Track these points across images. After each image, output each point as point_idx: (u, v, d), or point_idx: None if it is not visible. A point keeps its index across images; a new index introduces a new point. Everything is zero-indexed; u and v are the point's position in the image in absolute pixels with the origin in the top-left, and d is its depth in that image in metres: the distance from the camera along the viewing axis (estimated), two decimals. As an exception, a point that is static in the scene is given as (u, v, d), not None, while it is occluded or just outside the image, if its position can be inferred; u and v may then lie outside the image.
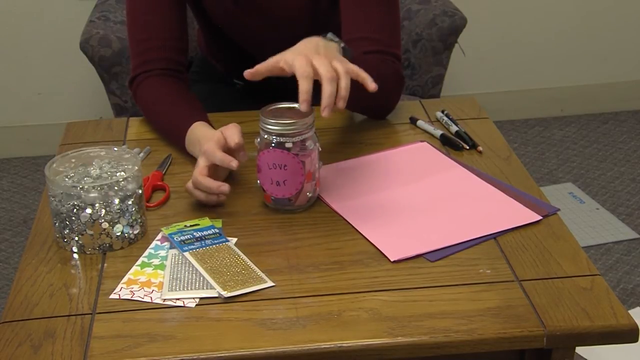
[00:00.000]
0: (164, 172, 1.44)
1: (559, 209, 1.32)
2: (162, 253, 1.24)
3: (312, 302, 1.13)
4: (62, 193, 1.22)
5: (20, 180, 2.98)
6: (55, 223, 1.25)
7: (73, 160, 1.30)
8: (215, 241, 1.24)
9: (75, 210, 1.22)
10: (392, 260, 1.20)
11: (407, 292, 1.14)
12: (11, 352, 1.06)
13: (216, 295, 1.14)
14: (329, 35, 1.38)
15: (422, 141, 1.53)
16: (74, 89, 3.05)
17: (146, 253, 1.24)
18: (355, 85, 1.27)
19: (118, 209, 1.23)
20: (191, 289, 1.16)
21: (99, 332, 1.09)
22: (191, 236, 1.25)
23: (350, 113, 1.60)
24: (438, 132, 1.54)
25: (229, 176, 1.40)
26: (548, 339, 1.07)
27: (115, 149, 1.32)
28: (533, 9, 3.14)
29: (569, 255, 1.21)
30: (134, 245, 1.26)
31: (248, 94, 1.84)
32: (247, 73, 1.30)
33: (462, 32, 2.28)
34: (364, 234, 1.26)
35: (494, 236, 1.26)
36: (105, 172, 1.27)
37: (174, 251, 1.23)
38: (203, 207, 1.34)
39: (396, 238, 1.25)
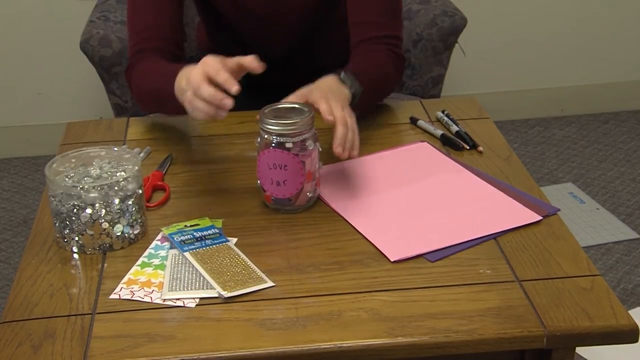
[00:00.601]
0: (164, 172, 1.44)
1: (559, 209, 1.32)
2: (162, 253, 1.24)
3: (312, 302, 1.13)
4: (62, 193, 1.22)
5: (20, 180, 2.98)
6: (56, 223, 1.25)
7: (73, 160, 1.30)
8: (216, 241, 1.24)
9: (75, 210, 1.22)
10: (392, 260, 1.20)
11: (407, 292, 1.14)
12: (11, 352, 1.06)
13: (216, 295, 1.14)
14: (343, 75, 1.45)
15: (422, 141, 1.53)
16: (74, 89, 3.05)
17: (146, 253, 1.24)
18: (367, 101, 1.48)
19: (118, 209, 1.23)
20: (191, 289, 1.16)
21: (99, 332, 1.09)
22: (191, 236, 1.25)
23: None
24: (438, 132, 1.54)
25: (228, 177, 1.40)
26: (548, 339, 1.07)
27: (116, 149, 1.32)
28: (533, 9, 3.14)
29: (569, 256, 1.21)
30: (134, 245, 1.26)
31: (248, 93, 1.84)
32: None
33: (462, 32, 2.28)
34: (364, 234, 1.26)
35: (494, 236, 1.26)
36: (105, 172, 1.27)
37: (174, 251, 1.23)
38: (203, 207, 1.34)
39: (396, 238, 1.25)
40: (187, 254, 1.21)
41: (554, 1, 3.13)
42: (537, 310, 1.10)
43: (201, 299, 1.14)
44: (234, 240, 1.26)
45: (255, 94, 1.73)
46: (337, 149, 1.28)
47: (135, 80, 1.60)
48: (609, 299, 1.12)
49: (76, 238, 1.24)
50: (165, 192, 1.38)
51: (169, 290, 1.15)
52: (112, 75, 2.13)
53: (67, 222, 1.23)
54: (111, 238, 1.24)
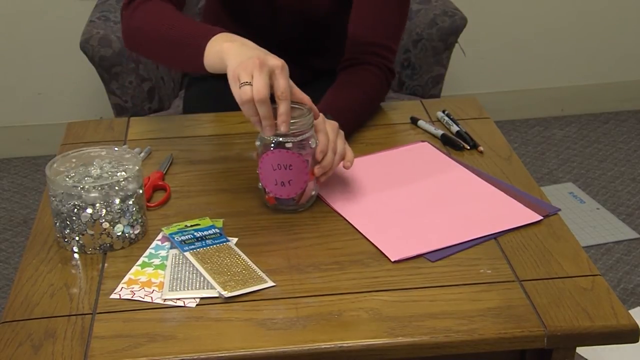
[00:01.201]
0: (164, 172, 1.44)
1: (559, 209, 1.32)
2: (163, 253, 1.24)
3: (313, 302, 1.13)
4: (62, 193, 1.22)
5: (21, 180, 2.98)
6: (56, 223, 1.25)
7: (74, 160, 1.30)
8: (216, 241, 1.24)
9: (75, 210, 1.22)
10: (392, 260, 1.20)
11: (408, 292, 1.14)
12: (11, 352, 1.06)
13: (217, 295, 1.14)
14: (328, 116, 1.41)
15: (422, 141, 1.53)
16: (74, 89, 3.05)
17: (147, 253, 1.24)
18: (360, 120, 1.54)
19: (119, 209, 1.23)
20: (192, 289, 1.16)
21: (99, 332, 1.09)
22: (192, 236, 1.25)
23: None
24: (439, 132, 1.54)
25: (229, 177, 1.40)
26: (549, 339, 1.07)
27: (116, 148, 1.32)
28: (533, 9, 3.14)
29: (570, 256, 1.21)
30: (135, 245, 1.26)
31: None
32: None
33: (462, 32, 2.28)
34: (364, 234, 1.26)
35: (495, 236, 1.26)
36: (105, 172, 1.27)
37: (175, 251, 1.23)
38: (204, 207, 1.34)
39: (397, 238, 1.25)
40: (187, 254, 1.21)
41: (554, 1, 3.13)
42: (537, 310, 1.10)
43: (201, 298, 1.14)
44: (235, 240, 1.26)
45: None
46: (317, 171, 1.30)
47: (142, 16, 1.46)
48: (609, 299, 1.12)
49: (77, 238, 1.24)
50: (166, 192, 1.38)
51: (169, 290, 1.15)
52: (112, 75, 2.13)
53: (68, 222, 1.23)
54: (112, 238, 1.24)
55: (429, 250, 1.22)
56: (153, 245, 1.26)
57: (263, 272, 1.18)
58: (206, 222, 1.29)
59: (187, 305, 1.13)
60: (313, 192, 1.32)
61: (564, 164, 2.97)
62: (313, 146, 1.29)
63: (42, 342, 1.07)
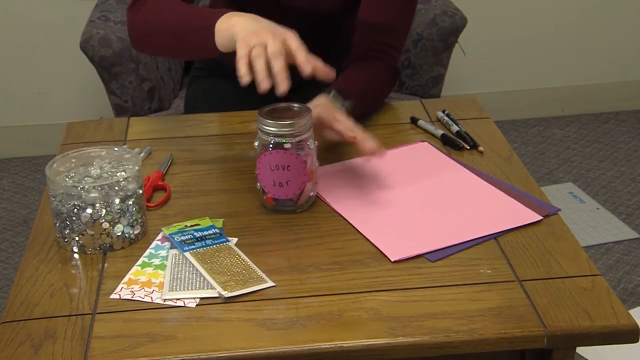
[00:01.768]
0: (164, 172, 1.44)
1: (559, 209, 1.32)
2: (163, 253, 1.24)
3: (313, 302, 1.13)
4: (62, 193, 1.22)
5: (21, 180, 2.98)
6: (56, 223, 1.25)
7: (73, 160, 1.30)
8: (216, 241, 1.24)
9: (75, 210, 1.22)
10: (392, 260, 1.20)
11: (408, 292, 1.14)
12: (11, 352, 1.06)
13: (217, 295, 1.14)
14: (333, 94, 1.47)
15: (422, 141, 1.53)
16: (74, 89, 3.05)
17: (147, 253, 1.24)
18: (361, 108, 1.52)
19: (118, 209, 1.23)
20: (192, 289, 1.16)
21: (99, 332, 1.09)
22: (192, 236, 1.25)
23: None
24: (439, 132, 1.54)
25: (229, 177, 1.40)
26: (549, 339, 1.07)
27: (116, 149, 1.32)
28: (533, 9, 3.14)
29: (570, 255, 1.21)
30: (135, 245, 1.26)
31: (251, 89, 1.84)
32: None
33: (462, 32, 2.28)
34: (364, 234, 1.26)
35: (495, 236, 1.26)
36: (105, 172, 1.27)
37: (175, 251, 1.23)
38: (204, 207, 1.34)
39: (396, 238, 1.25)
40: (187, 254, 1.21)
41: (554, 1, 3.13)
42: (537, 310, 1.10)
43: (201, 299, 1.14)
44: (235, 240, 1.26)
45: (256, 93, 1.73)
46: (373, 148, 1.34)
47: (147, 12, 1.47)
48: (609, 299, 1.12)
49: (76, 238, 1.24)
50: (166, 192, 1.38)
51: (169, 290, 1.15)
52: (112, 75, 2.13)
53: (68, 222, 1.23)
54: (111, 238, 1.24)
55: (429, 250, 1.22)
56: (153, 245, 1.26)
57: (263, 272, 1.18)
58: (206, 222, 1.29)
59: (187, 306, 1.13)
60: (311, 193, 1.32)
61: (564, 164, 2.97)
62: (311, 147, 1.29)
63: (42, 342, 1.07)
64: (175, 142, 1.56)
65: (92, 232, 1.23)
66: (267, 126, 1.27)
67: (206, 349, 1.05)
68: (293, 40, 1.25)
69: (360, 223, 1.29)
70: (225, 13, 1.34)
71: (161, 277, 1.18)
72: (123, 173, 1.27)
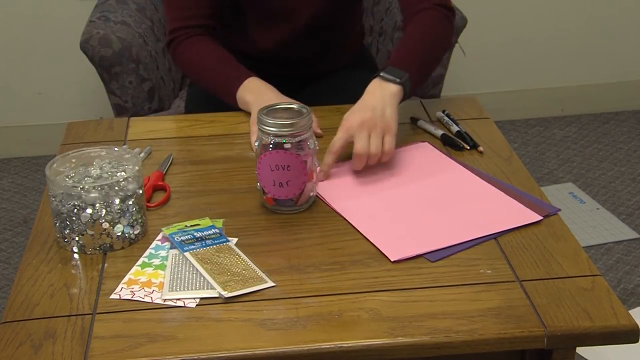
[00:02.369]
0: (164, 172, 1.44)
1: (559, 209, 1.32)
2: (163, 253, 1.24)
3: (313, 302, 1.13)
4: (62, 193, 1.22)
5: (21, 180, 2.98)
6: (56, 223, 1.25)
7: (73, 160, 1.30)
8: (216, 241, 1.24)
9: (75, 210, 1.22)
10: (392, 260, 1.20)
11: (408, 293, 1.14)
12: (12, 352, 1.06)
13: (217, 295, 1.14)
14: (385, 72, 1.47)
15: (423, 141, 1.53)
16: (74, 89, 3.05)
17: (147, 253, 1.24)
18: (429, 64, 1.56)
19: (118, 209, 1.23)
20: (192, 289, 1.16)
21: (99, 332, 1.09)
22: (192, 236, 1.25)
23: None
24: (439, 132, 1.54)
25: (229, 177, 1.40)
26: (549, 340, 1.07)
27: (116, 149, 1.32)
28: (533, 9, 3.13)
29: (570, 256, 1.21)
30: (135, 245, 1.26)
31: None
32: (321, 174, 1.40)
33: (462, 32, 2.28)
34: (364, 234, 1.26)
35: (495, 236, 1.26)
36: (105, 172, 1.27)
37: (175, 251, 1.23)
38: (204, 207, 1.34)
39: (396, 238, 1.25)
40: (187, 254, 1.21)
41: (554, 1, 3.13)
42: (537, 310, 1.10)
43: (201, 299, 1.14)
44: (235, 240, 1.26)
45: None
46: (355, 166, 1.40)
47: (179, 62, 1.71)
48: (609, 299, 1.12)
49: (76, 238, 1.24)
50: (166, 192, 1.38)
51: (169, 291, 1.15)
52: (112, 75, 2.13)
53: (68, 222, 1.23)
54: (111, 238, 1.24)
55: (429, 250, 1.22)
56: (153, 245, 1.26)
57: (263, 272, 1.18)
58: (206, 222, 1.29)
59: (187, 306, 1.13)
60: (311, 193, 1.32)
61: (564, 164, 2.97)
62: (311, 147, 1.29)
63: (42, 342, 1.07)
64: (175, 142, 1.56)
65: (92, 232, 1.23)
66: (267, 126, 1.27)
67: (206, 349, 1.05)
68: (389, 132, 1.40)
69: (360, 223, 1.29)
70: (242, 81, 1.58)
71: (161, 277, 1.18)
72: (123, 173, 1.27)
